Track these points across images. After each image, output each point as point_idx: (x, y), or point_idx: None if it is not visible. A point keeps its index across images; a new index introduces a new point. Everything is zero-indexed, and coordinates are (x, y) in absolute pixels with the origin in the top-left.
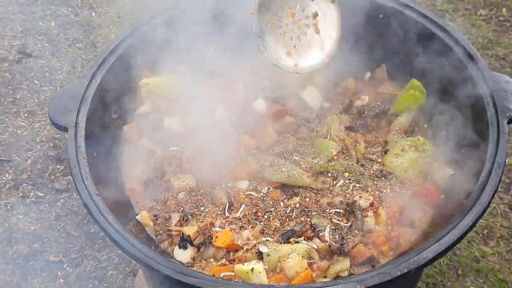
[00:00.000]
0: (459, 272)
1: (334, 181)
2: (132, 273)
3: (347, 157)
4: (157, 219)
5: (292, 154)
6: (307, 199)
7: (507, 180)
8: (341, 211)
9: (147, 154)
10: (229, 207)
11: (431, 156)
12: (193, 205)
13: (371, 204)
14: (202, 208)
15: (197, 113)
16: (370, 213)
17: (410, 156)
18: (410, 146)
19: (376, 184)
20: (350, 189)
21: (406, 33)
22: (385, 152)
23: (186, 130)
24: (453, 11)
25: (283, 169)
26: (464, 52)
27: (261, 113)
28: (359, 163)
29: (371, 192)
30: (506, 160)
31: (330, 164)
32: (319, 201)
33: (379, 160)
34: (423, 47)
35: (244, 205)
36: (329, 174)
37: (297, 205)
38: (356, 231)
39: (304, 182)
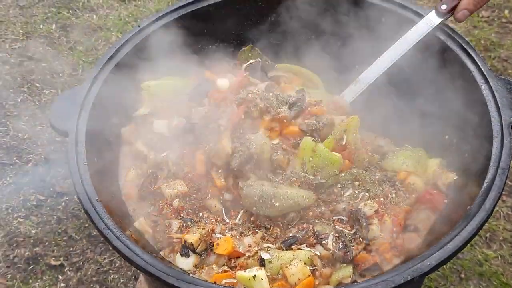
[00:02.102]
0: (462, 275)
1: (342, 191)
2: (133, 277)
3: (353, 165)
4: (156, 226)
5: (272, 167)
6: (311, 213)
7: (510, 183)
8: (344, 218)
9: (141, 158)
10: (227, 212)
11: (424, 155)
12: (190, 210)
13: (376, 212)
14: (201, 214)
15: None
16: (375, 221)
17: (403, 153)
18: (400, 150)
19: (382, 190)
20: (360, 198)
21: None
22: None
23: (172, 133)
24: None
25: (277, 204)
26: (466, 56)
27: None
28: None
29: (376, 199)
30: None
31: (341, 175)
32: (322, 208)
33: (379, 163)
34: (424, 52)
35: (242, 211)
36: (338, 185)
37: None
38: (360, 239)
39: (305, 205)
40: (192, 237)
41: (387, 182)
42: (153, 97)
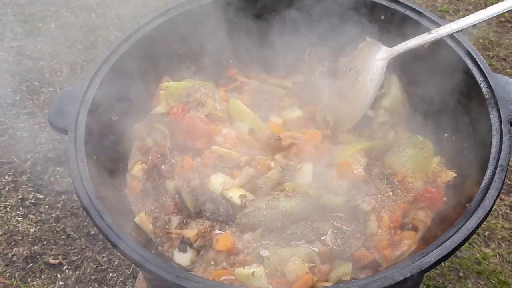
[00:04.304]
0: (461, 274)
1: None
2: (132, 276)
3: None
4: (156, 222)
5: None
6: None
7: (508, 182)
8: (342, 214)
9: (147, 153)
10: None
11: (431, 153)
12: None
13: (374, 208)
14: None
15: None
16: (373, 217)
17: (408, 152)
18: (408, 144)
19: (379, 187)
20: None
21: (404, 33)
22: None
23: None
24: (454, 11)
25: (278, 224)
26: (466, 54)
27: None
28: None
29: (374, 196)
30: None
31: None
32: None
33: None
34: (423, 50)
35: None
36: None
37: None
38: (358, 235)
39: (303, 214)
40: (189, 232)
41: (385, 180)
42: (170, 97)
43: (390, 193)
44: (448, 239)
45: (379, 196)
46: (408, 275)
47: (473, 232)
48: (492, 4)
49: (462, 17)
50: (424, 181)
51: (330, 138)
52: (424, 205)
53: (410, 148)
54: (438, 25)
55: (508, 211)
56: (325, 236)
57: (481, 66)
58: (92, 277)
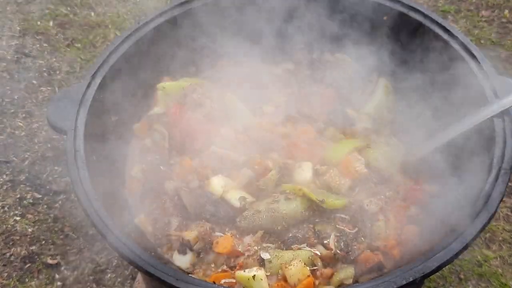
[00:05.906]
0: (461, 276)
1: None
2: (131, 277)
3: None
4: (156, 224)
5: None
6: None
7: (510, 184)
8: (346, 217)
9: (146, 154)
10: None
11: (400, 150)
12: None
13: (381, 208)
14: None
15: None
16: (381, 217)
17: (381, 148)
18: (379, 143)
19: (379, 186)
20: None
21: (406, 34)
22: None
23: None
24: (455, 12)
25: (278, 228)
26: (468, 55)
27: None
28: None
29: (378, 196)
30: None
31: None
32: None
33: None
34: (424, 49)
35: None
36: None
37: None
38: (362, 238)
39: (304, 217)
40: (189, 234)
41: (379, 176)
42: (167, 97)
43: (391, 192)
44: (452, 243)
45: (382, 196)
46: (411, 279)
47: (476, 236)
48: (494, 5)
49: (464, 18)
50: (402, 173)
51: (322, 130)
52: (413, 202)
53: (382, 145)
54: (440, 25)
55: (509, 213)
56: (328, 240)
57: (485, 68)
58: (91, 277)
